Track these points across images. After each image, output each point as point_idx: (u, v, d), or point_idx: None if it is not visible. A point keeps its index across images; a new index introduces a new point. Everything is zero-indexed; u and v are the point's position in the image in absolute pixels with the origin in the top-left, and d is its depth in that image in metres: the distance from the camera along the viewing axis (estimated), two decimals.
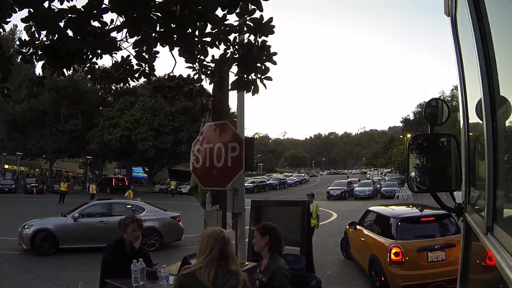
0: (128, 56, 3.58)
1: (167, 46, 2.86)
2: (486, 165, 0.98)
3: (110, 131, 34.58)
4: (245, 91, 3.16)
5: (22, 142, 38.40)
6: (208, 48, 2.90)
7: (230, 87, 3.06)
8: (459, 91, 1.55)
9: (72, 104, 37.99)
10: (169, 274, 2.92)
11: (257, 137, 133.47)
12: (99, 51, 3.39)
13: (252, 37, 3.01)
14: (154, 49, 3.40)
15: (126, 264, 3.17)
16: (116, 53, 3.57)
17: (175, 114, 32.47)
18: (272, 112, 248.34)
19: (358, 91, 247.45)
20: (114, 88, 40.76)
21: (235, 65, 3.18)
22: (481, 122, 1.08)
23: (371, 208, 7.66)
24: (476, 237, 1.17)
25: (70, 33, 2.72)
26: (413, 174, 1.63)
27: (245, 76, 3.05)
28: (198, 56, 3.26)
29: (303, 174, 71.14)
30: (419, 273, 5.34)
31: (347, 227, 8.31)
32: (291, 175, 63.31)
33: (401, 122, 60.97)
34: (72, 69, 3.51)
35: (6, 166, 48.84)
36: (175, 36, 2.55)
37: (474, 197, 1.36)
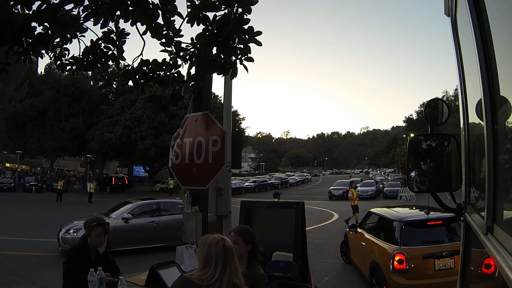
0: (98, 39, 3.20)
1: (138, 30, 2.47)
2: (486, 165, 0.97)
3: (110, 130, 34.31)
4: (222, 74, 2.71)
5: (22, 140, 38.23)
6: (186, 29, 2.48)
7: (205, 68, 2.61)
8: (459, 91, 1.56)
9: (73, 102, 37.85)
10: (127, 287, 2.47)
11: (260, 136, 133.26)
12: (61, 34, 3.07)
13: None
14: (120, 27, 3.06)
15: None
16: (84, 36, 3.26)
17: (176, 112, 32.12)
18: (275, 112, 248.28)
19: (361, 91, 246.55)
20: (114, 86, 40.68)
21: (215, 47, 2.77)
22: (481, 122, 1.07)
23: (373, 210, 7.17)
24: (476, 237, 1.16)
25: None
26: (413, 174, 1.62)
27: (222, 56, 2.60)
28: (175, 39, 2.86)
29: (305, 174, 70.61)
30: (425, 283, 4.87)
31: (347, 229, 7.83)
32: (293, 175, 62.81)
33: (404, 122, 60.25)
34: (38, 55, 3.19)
35: (7, 165, 48.76)
36: (129, 1, 2.10)
37: (474, 197, 1.36)
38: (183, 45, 2.87)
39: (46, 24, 2.69)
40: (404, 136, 55.29)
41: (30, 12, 2.60)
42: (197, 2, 2.41)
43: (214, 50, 2.80)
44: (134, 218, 9.42)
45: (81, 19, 2.64)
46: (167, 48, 3.00)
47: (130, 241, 8.97)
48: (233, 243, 2.54)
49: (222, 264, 1.84)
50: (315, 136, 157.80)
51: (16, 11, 2.53)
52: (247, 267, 2.50)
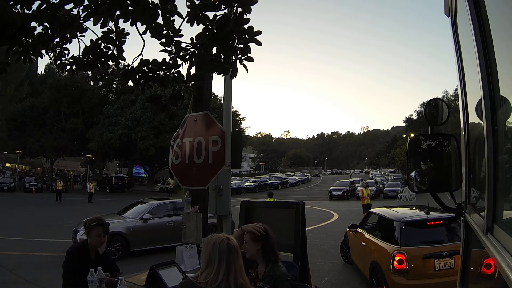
0: (98, 39, 3.20)
1: (138, 30, 2.48)
2: (486, 165, 0.97)
3: (110, 130, 34.31)
4: (222, 74, 2.71)
5: (22, 140, 38.22)
6: (186, 29, 2.48)
7: (205, 67, 2.60)
8: (459, 91, 1.55)
9: (73, 102, 37.84)
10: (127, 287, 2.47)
11: (260, 136, 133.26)
12: (61, 34, 3.08)
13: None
14: (120, 27, 3.07)
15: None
16: (84, 36, 3.26)
17: (175, 113, 32.07)
18: (275, 112, 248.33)
19: (361, 91, 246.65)
20: (114, 86, 40.66)
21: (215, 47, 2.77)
22: (481, 122, 1.07)
23: (373, 210, 7.18)
24: (476, 237, 1.16)
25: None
26: (413, 174, 1.62)
27: (222, 56, 2.60)
28: (174, 39, 2.86)
29: (305, 174, 70.61)
30: (425, 283, 4.86)
31: (347, 229, 7.83)
32: (293, 175, 62.81)
33: (404, 122, 60.24)
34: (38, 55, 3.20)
35: (7, 165, 48.77)
36: (128, 1, 2.10)
37: (474, 197, 1.36)
38: (183, 45, 2.87)
39: (46, 24, 2.69)
40: (404, 136, 55.27)
41: (30, 12, 2.60)
42: (197, 2, 2.41)
43: (214, 50, 2.80)
44: (155, 218, 9.48)
45: (81, 18, 2.64)
46: (167, 48, 2.99)
47: (150, 240, 9.05)
48: (244, 242, 2.53)
49: (226, 263, 1.80)
50: (315, 136, 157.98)
51: (16, 11, 2.53)
52: (267, 267, 2.47)
